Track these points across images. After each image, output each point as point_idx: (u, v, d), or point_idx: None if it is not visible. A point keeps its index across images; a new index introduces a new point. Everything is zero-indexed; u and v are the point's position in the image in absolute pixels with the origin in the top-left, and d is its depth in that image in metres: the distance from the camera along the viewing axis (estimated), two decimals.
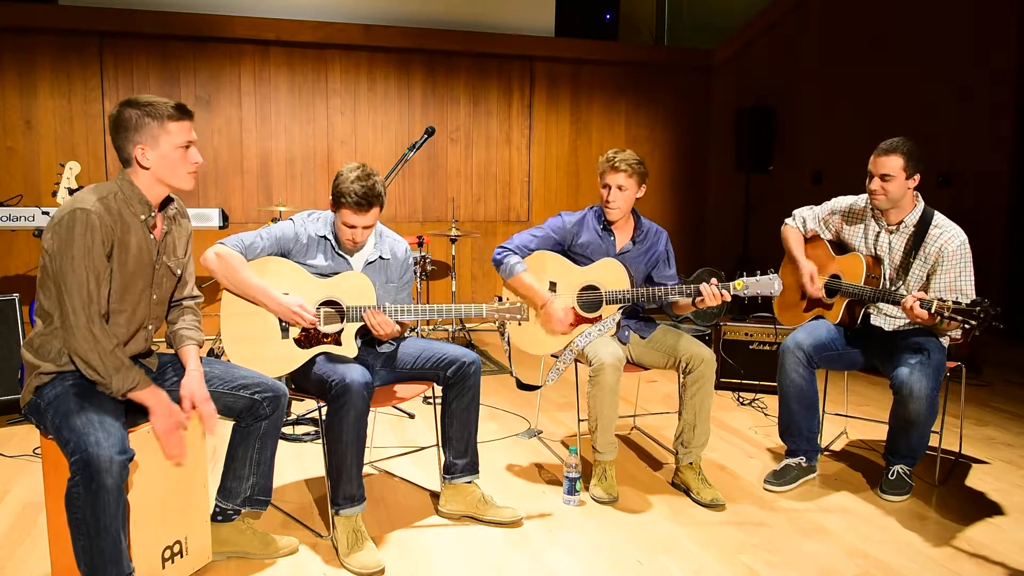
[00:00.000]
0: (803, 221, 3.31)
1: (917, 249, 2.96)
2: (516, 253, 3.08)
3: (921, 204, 3.00)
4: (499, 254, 3.10)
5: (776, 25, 6.91)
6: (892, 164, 2.89)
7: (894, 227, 3.01)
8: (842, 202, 3.20)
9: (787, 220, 3.36)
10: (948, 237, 2.90)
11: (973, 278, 2.89)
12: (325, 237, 2.68)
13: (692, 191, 7.78)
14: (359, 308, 2.60)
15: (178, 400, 2.22)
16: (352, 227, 2.59)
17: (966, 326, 2.61)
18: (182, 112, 2.12)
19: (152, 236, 2.17)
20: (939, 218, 2.97)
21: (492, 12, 7.02)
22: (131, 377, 2.04)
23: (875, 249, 3.08)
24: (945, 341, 2.98)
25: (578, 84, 7.28)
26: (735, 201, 7.15)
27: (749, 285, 2.82)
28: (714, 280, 2.84)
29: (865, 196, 3.08)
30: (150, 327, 2.24)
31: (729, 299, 2.83)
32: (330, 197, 2.61)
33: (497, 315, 2.68)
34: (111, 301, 2.08)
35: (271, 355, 2.59)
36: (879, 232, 3.06)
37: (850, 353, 3.11)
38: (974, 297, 2.78)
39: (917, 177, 2.93)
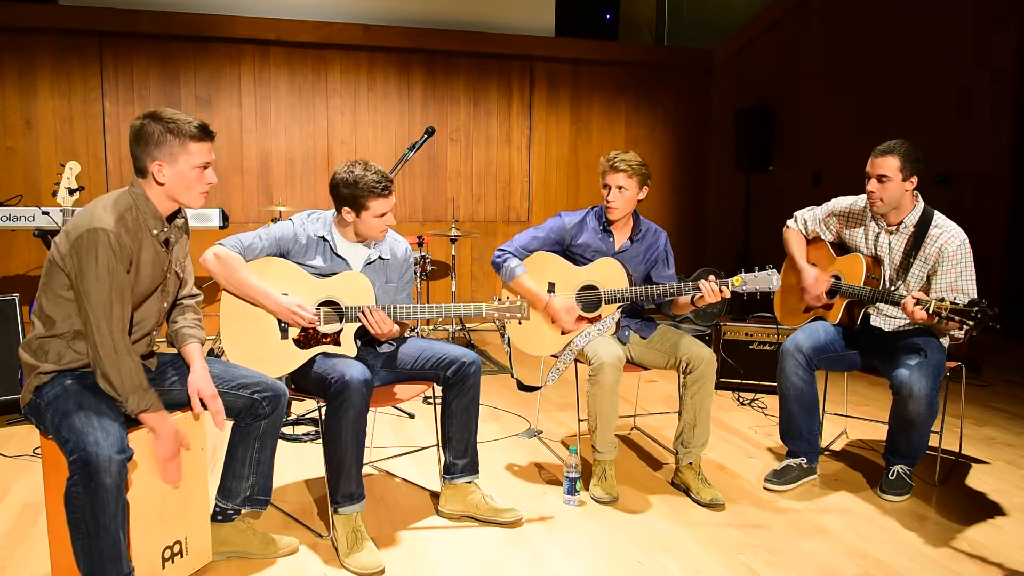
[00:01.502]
0: (804, 223, 3.31)
1: (917, 249, 2.95)
2: (516, 255, 3.09)
3: (921, 204, 3.00)
4: (498, 257, 3.10)
5: (776, 25, 6.91)
6: (889, 165, 2.89)
7: (894, 227, 3.01)
8: (842, 202, 3.20)
9: (788, 223, 3.36)
10: (948, 237, 2.90)
11: (975, 278, 2.89)
12: (324, 238, 2.68)
13: (692, 191, 7.78)
14: (358, 308, 2.60)
15: (179, 400, 2.22)
16: (383, 214, 2.62)
17: (964, 326, 2.60)
18: (204, 133, 2.11)
19: (164, 248, 2.18)
20: (939, 218, 2.96)
21: (492, 12, 7.02)
22: (146, 400, 2.05)
23: (875, 249, 3.07)
24: (945, 341, 2.97)
25: (578, 84, 7.28)
26: (735, 201, 7.15)
27: (747, 281, 2.82)
28: (712, 276, 2.84)
29: (865, 196, 3.08)
30: (154, 333, 2.26)
31: (728, 295, 2.83)
32: (344, 205, 2.60)
33: (497, 314, 2.67)
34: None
35: (271, 355, 2.59)
36: (879, 232, 3.06)
37: (849, 354, 3.11)
38: (975, 297, 2.78)
39: (915, 179, 2.93)
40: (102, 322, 1.98)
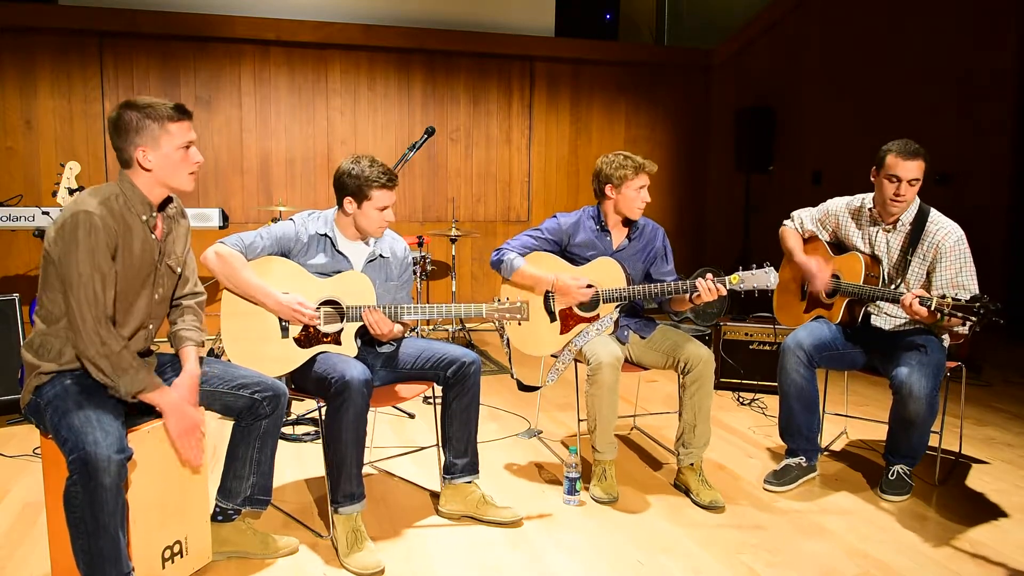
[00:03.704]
0: (800, 222, 3.31)
1: (915, 247, 2.96)
2: (515, 251, 3.09)
3: (917, 201, 3.00)
4: (497, 254, 3.10)
5: (776, 25, 6.91)
6: (920, 169, 2.90)
7: (891, 226, 3.02)
8: (838, 202, 3.20)
9: (785, 222, 3.37)
10: (944, 234, 2.90)
11: (975, 273, 2.89)
12: (325, 235, 2.69)
13: (692, 191, 7.79)
14: (358, 308, 2.60)
15: None
16: (385, 208, 2.65)
17: (967, 322, 2.60)
18: (181, 112, 2.13)
19: (154, 236, 2.17)
20: (935, 215, 2.97)
21: (492, 12, 7.02)
22: (139, 379, 2.04)
23: (873, 248, 3.08)
24: (946, 340, 2.97)
25: (578, 84, 7.28)
26: (735, 201, 7.15)
27: (745, 279, 2.82)
28: (709, 275, 2.84)
29: (861, 196, 3.08)
30: (151, 326, 2.24)
31: (725, 293, 2.82)
32: (347, 195, 2.63)
33: (497, 315, 2.67)
34: (115, 302, 2.08)
35: (271, 355, 2.59)
36: (876, 231, 3.06)
37: (851, 353, 3.11)
38: (976, 291, 2.78)
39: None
40: (84, 306, 1.97)
